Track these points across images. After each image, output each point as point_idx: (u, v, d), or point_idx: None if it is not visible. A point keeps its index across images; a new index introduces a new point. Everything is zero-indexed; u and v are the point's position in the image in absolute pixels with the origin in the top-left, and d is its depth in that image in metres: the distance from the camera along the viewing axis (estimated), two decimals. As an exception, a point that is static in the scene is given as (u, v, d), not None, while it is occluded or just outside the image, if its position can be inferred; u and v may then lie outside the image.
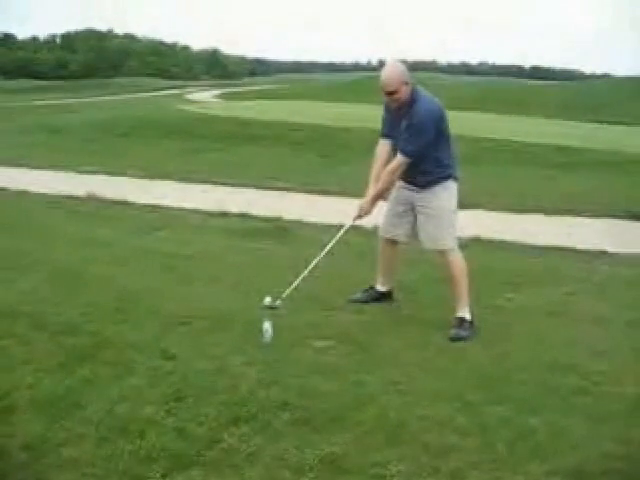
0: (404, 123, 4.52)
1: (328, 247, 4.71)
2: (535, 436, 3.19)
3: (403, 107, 4.51)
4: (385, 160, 4.73)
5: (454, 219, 4.74)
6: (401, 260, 5.26)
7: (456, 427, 3.24)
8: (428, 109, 4.50)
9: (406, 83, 4.43)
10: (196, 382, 3.59)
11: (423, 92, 4.57)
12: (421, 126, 4.46)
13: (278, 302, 4.43)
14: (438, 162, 4.62)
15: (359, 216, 4.72)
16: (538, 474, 2.88)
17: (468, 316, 4.64)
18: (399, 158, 4.55)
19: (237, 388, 3.54)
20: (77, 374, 3.65)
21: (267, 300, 4.37)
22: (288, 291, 4.54)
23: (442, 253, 4.73)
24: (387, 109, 4.71)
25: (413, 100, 4.48)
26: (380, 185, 4.66)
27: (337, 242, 4.73)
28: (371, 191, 4.68)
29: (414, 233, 4.85)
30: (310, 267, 4.67)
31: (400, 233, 4.91)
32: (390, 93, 4.44)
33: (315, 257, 4.71)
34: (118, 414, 3.23)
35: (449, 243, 4.69)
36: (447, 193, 4.69)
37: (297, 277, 4.64)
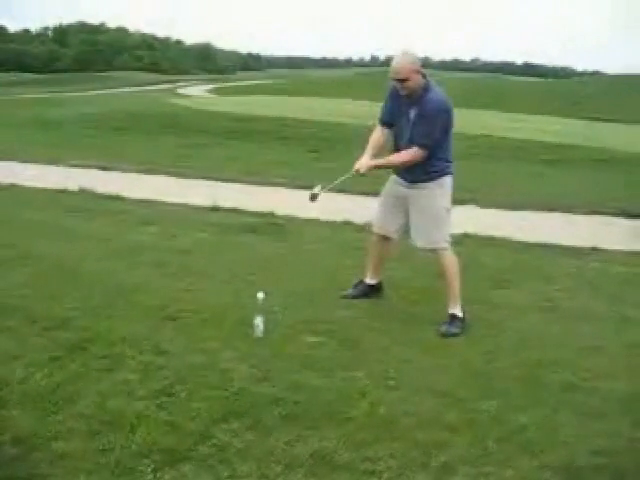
0: (413, 112, 4.52)
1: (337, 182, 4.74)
2: (525, 432, 3.21)
3: (413, 95, 4.50)
4: (378, 146, 4.74)
5: (448, 217, 4.73)
6: (393, 257, 5.27)
7: (446, 423, 3.25)
8: (441, 100, 4.52)
9: (417, 72, 4.44)
10: (188, 377, 3.59)
11: (435, 85, 4.58)
12: (434, 116, 4.48)
13: (318, 189, 4.70)
14: (439, 157, 4.61)
15: (357, 170, 4.64)
16: (528, 470, 2.90)
17: (459, 313, 4.65)
18: (416, 151, 4.52)
19: (228, 383, 3.54)
20: (68, 368, 3.64)
21: (317, 188, 4.57)
22: (334, 183, 4.71)
23: (434, 251, 4.74)
24: (394, 97, 4.65)
25: (425, 90, 4.49)
26: (386, 160, 4.69)
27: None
28: (368, 157, 4.64)
29: (406, 230, 4.85)
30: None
31: (391, 229, 4.91)
32: (401, 80, 4.44)
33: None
34: (109, 408, 3.23)
35: (442, 242, 4.69)
36: (442, 191, 4.68)
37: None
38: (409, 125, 4.56)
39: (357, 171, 4.63)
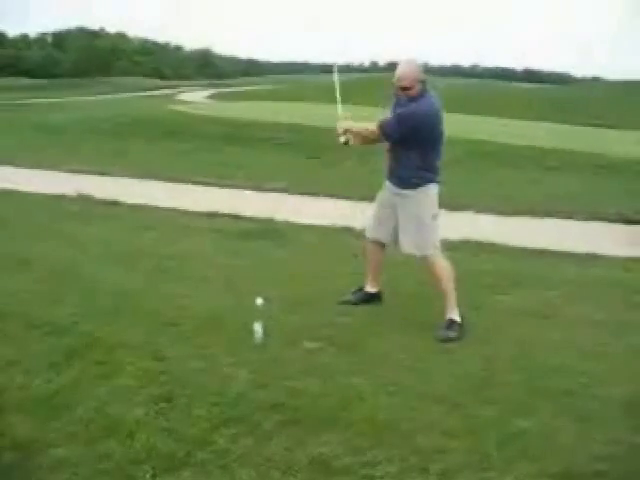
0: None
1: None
2: (524, 437, 3.21)
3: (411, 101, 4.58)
4: None
5: (435, 225, 4.73)
6: (390, 262, 5.27)
7: (445, 428, 3.25)
8: (420, 109, 4.54)
9: (420, 80, 4.53)
10: (186, 383, 3.59)
11: (430, 93, 4.62)
12: (407, 117, 4.54)
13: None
14: (422, 166, 4.63)
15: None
16: (527, 475, 2.90)
17: (457, 318, 4.65)
18: (376, 125, 4.65)
19: (227, 389, 3.54)
20: (67, 374, 3.64)
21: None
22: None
23: (423, 258, 4.75)
24: (399, 103, 4.70)
25: (419, 96, 4.55)
26: (361, 128, 4.79)
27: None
28: (355, 125, 4.80)
29: (396, 238, 4.86)
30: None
31: (383, 235, 4.94)
32: (404, 88, 4.54)
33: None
34: (108, 414, 3.23)
35: (429, 249, 4.70)
36: (428, 199, 4.70)
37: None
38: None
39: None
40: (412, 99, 4.56)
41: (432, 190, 4.71)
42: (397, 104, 4.70)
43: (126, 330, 4.33)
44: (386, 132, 4.61)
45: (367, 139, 4.82)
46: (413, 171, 4.65)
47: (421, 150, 4.62)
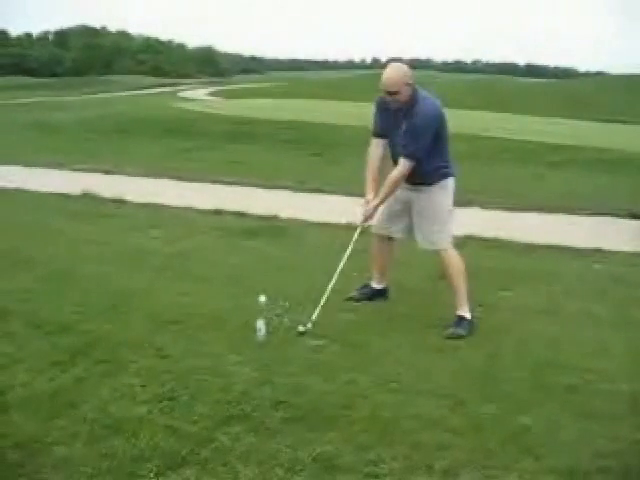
0: (405, 124, 4.53)
1: (347, 254, 4.72)
2: (528, 434, 3.21)
3: (403, 107, 4.51)
4: (379, 160, 4.77)
5: (450, 219, 4.74)
6: (395, 258, 5.26)
7: (449, 425, 3.25)
8: (428, 111, 4.51)
9: (408, 84, 4.44)
10: (189, 381, 3.59)
11: (424, 93, 4.57)
12: (421, 129, 4.48)
13: (309, 325, 4.42)
14: (437, 162, 4.63)
15: (365, 220, 4.76)
16: (531, 472, 2.89)
17: (467, 315, 4.64)
18: (403, 164, 4.56)
19: (230, 387, 3.54)
20: (70, 373, 3.65)
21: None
22: (317, 311, 4.53)
23: (438, 253, 4.74)
24: (382, 108, 4.68)
25: (414, 101, 4.49)
26: (384, 192, 4.68)
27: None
28: (370, 195, 4.72)
29: (410, 231, 4.86)
30: (334, 279, 4.67)
31: (396, 230, 4.93)
32: (392, 94, 4.45)
33: (336, 265, 4.72)
34: (111, 413, 3.23)
35: (444, 243, 4.70)
36: (444, 193, 4.70)
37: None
38: (402, 137, 4.57)
39: (366, 220, 4.76)
40: (407, 109, 4.49)
41: (449, 183, 4.73)
42: (383, 109, 4.66)
43: (129, 328, 4.33)
44: (416, 158, 4.52)
45: (395, 190, 4.72)
46: (431, 169, 4.63)
47: (440, 148, 4.62)
